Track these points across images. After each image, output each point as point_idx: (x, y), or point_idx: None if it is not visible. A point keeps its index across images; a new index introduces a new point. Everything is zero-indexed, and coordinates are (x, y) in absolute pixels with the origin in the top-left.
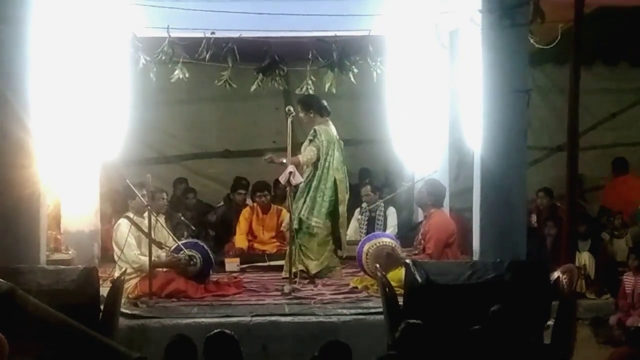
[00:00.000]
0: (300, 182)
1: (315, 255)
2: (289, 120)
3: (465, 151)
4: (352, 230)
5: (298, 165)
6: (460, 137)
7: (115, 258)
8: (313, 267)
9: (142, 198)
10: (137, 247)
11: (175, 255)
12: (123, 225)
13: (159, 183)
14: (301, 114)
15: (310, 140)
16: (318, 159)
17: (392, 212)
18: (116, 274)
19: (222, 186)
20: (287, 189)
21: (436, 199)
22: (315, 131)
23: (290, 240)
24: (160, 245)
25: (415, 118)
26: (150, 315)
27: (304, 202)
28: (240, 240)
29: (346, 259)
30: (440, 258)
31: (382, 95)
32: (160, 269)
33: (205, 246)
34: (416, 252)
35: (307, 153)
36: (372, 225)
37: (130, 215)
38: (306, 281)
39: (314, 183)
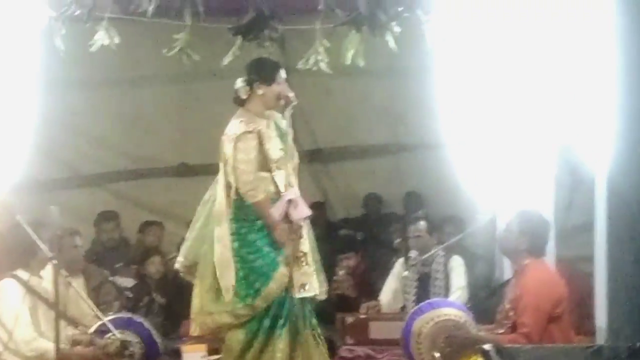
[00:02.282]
0: (307, 217)
1: None
2: (288, 112)
3: (581, 165)
4: (388, 294)
5: None
6: (572, 142)
7: None
8: None
9: (42, 245)
10: (32, 324)
11: (99, 340)
12: (10, 291)
13: (72, 219)
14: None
15: None
16: None
17: (458, 265)
18: None
19: (175, 224)
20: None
21: (534, 243)
22: None
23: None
24: (73, 323)
25: (497, 109)
26: None
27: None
28: None
29: (378, 344)
30: (543, 340)
31: (441, 71)
32: None
33: (147, 324)
34: (501, 331)
35: None
36: (425, 287)
37: (21, 274)
38: None
39: None
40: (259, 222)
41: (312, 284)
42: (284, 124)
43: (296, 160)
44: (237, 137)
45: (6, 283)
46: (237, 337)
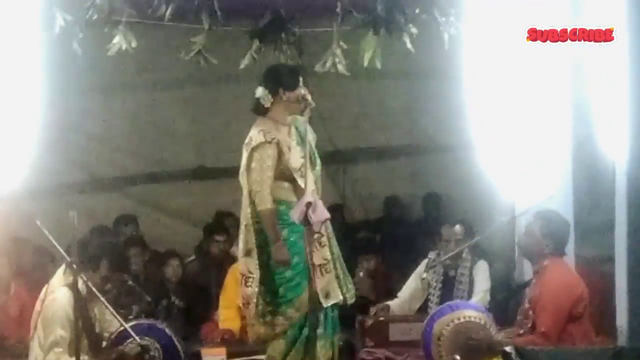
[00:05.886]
0: (326, 220)
1: None
2: (306, 116)
3: (600, 163)
4: (406, 292)
5: None
6: (590, 140)
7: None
8: None
9: (63, 252)
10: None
11: (119, 347)
12: (62, 299)
13: (90, 224)
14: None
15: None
16: None
17: (482, 270)
18: None
19: (193, 227)
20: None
21: (554, 244)
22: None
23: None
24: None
25: (514, 110)
26: None
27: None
28: (227, 317)
29: (398, 346)
30: (562, 340)
31: (458, 72)
32: None
33: (168, 329)
34: (521, 332)
35: None
36: (449, 289)
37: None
38: None
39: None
40: (286, 231)
41: (335, 291)
42: (304, 127)
43: (318, 165)
44: (254, 147)
45: (62, 292)
46: (278, 347)
